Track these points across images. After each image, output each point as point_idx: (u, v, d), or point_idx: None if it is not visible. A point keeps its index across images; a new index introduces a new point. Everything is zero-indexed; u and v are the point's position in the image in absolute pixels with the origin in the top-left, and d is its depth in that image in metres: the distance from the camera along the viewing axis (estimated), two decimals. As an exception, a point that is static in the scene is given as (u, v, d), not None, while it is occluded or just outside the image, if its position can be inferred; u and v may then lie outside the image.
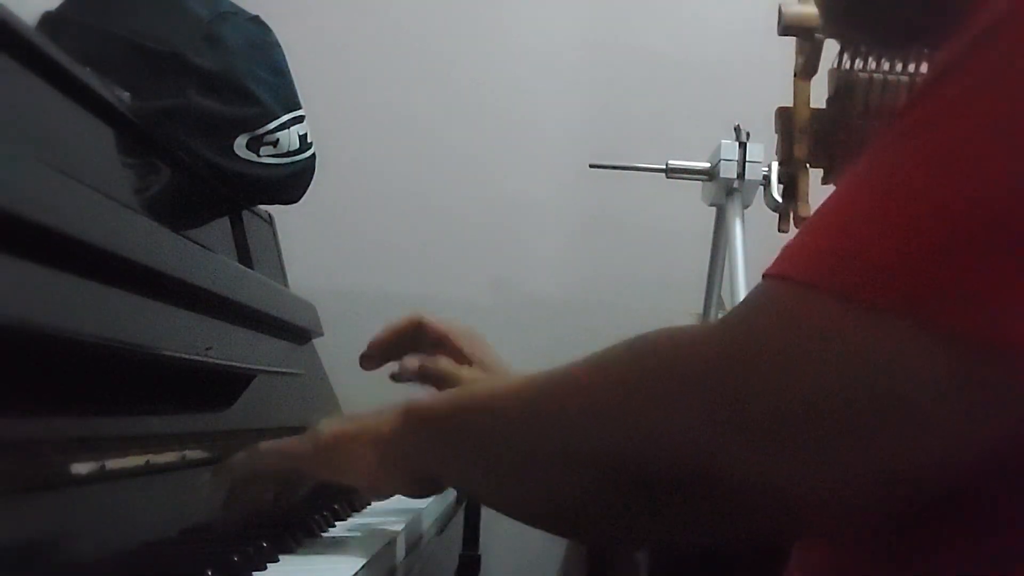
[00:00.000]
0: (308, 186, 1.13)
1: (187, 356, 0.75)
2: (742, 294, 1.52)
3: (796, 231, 0.47)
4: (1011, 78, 0.42)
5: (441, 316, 0.92)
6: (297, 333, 1.19)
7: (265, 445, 0.70)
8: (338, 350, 1.37)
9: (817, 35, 1.20)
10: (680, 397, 0.45)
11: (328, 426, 0.67)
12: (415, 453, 0.62)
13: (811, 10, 1.18)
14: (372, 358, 0.89)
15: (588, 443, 0.49)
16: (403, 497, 0.67)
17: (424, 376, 0.86)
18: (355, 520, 0.81)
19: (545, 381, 0.53)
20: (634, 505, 0.48)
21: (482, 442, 0.57)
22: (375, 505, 0.86)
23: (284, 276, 1.33)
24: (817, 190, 1.29)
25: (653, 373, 0.47)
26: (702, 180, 1.63)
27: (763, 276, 0.46)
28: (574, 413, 0.50)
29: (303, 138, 1.07)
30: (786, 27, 1.30)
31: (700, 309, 1.72)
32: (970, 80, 0.43)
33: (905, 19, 0.61)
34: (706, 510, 0.46)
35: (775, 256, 0.46)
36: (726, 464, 0.44)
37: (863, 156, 0.46)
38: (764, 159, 1.50)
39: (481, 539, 1.37)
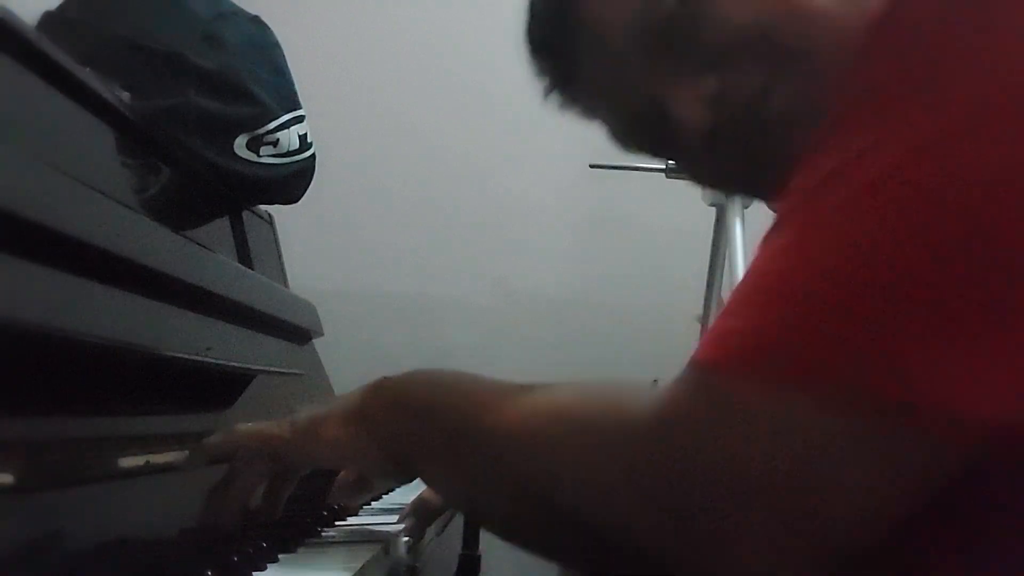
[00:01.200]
0: (308, 186, 1.13)
1: (187, 356, 0.75)
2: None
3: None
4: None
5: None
6: (297, 333, 1.19)
7: (242, 426, 0.70)
8: (338, 350, 1.37)
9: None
10: (619, 488, 0.47)
11: (304, 412, 0.68)
12: (383, 423, 0.63)
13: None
14: None
15: (533, 482, 0.52)
16: (403, 497, 0.67)
17: None
18: (355, 520, 0.81)
19: (514, 411, 0.55)
20: (559, 539, 0.53)
21: (445, 437, 0.59)
22: (375, 505, 0.86)
23: (284, 276, 1.33)
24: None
25: (602, 452, 0.49)
26: (702, 180, 1.63)
27: (688, 362, 0.47)
28: (533, 454, 0.53)
29: (303, 138, 1.07)
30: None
31: (700, 309, 1.72)
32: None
33: (765, 182, 0.64)
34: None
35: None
36: (664, 548, 0.46)
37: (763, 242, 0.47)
38: (764, 159, 1.50)
39: (481, 539, 1.37)
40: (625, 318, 1.96)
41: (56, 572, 0.50)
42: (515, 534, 0.57)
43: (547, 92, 0.73)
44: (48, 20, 0.93)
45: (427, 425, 0.61)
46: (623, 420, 0.48)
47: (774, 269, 0.45)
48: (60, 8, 0.95)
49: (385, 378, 0.66)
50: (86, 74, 0.77)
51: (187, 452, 0.70)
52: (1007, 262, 0.40)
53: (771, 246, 0.46)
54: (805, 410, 0.42)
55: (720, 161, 0.65)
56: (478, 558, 0.79)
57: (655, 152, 0.73)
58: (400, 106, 1.96)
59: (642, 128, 0.68)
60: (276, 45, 1.06)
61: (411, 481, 0.69)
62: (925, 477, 0.43)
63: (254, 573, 0.55)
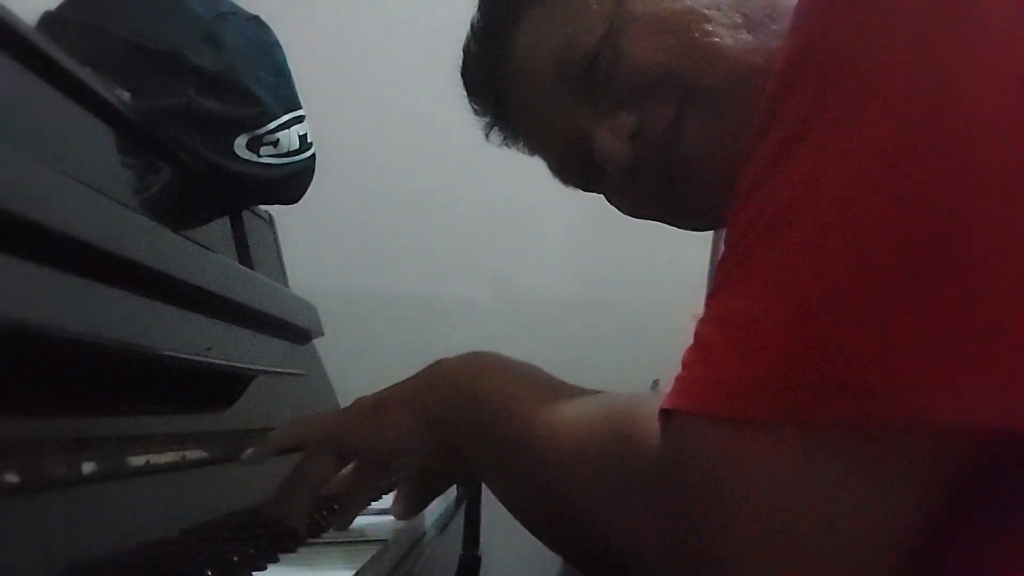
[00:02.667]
0: (308, 186, 1.13)
1: (187, 356, 0.75)
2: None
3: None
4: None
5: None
6: (297, 333, 1.19)
7: (305, 417, 0.72)
8: (338, 350, 1.37)
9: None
10: (635, 530, 0.50)
11: (370, 395, 0.70)
12: (436, 412, 0.66)
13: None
14: None
15: (563, 492, 0.56)
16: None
17: None
18: (355, 520, 0.81)
19: (556, 429, 0.57)
20: (585, 549, 0.57)
21: (487, 437, 0.63)
22: (374, 505, 0.86)
23: (284, 276, 1.33)
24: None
25: (612, 487, 0.52)
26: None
27: (664, 408, 0.48)
28: (553, 472, 0.56)
29: (303, 138, 1.07)
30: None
31: (700, 309, 1.72)
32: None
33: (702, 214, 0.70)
34: None
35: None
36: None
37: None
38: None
39: (481, 539, 1.37)
40: (625, 318, 1.96)
41: (56, 572, 0.50)
42: (547, 539, 0.61)
43: (487, 130, 0.79)
44: (48, 20, 0.93)
45: (472, 421, 0.64)
46: (631, 463, 0.51)
47: (739, 307, 0.45)
48: (60, 8, 0.95)
49: (442, 361, 0.68)
50: (86, 74, 0.77)
51: (252, 446, 0.71)
52: (969, 268, 0.40)
53: (733, 282, 0.46)
54: (795, 446, 0.42)
55: (643, 193, 0.69)
56: (478, 558, 0.79)
57: (587, 187, 0.76)
58: (400, 106, 1.96)
59: (572, 163, 0.73)
60: (276, 45, 1.06)
61: (469, 479, 0.71)
62: (921, 492, 0.43)
63: (254, 573, 0.55)
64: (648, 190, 0.69)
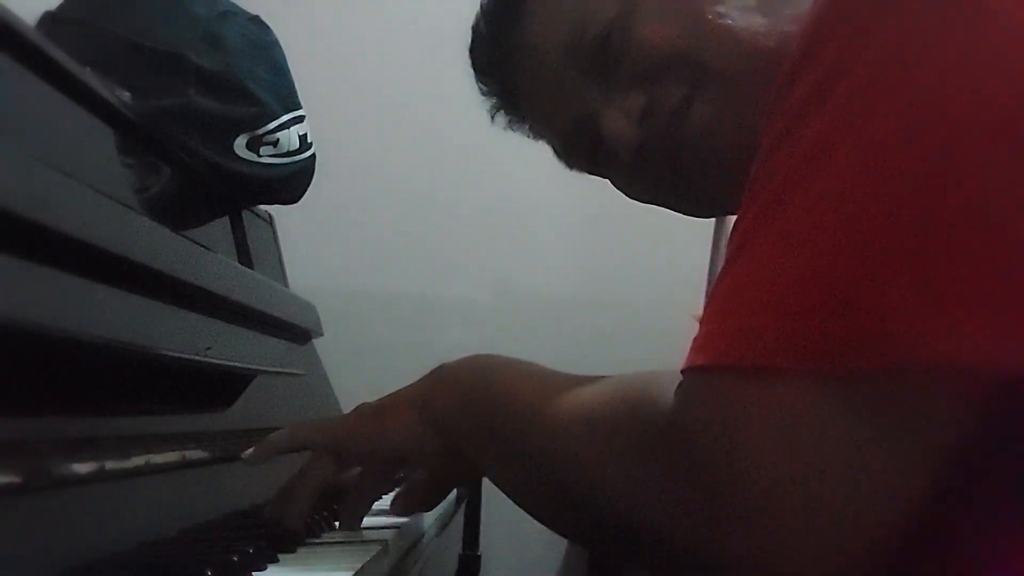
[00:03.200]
0: (308, 186, 1.13)
1: (187, 356, 0.75)
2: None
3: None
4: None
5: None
6: (297, 333, 1.19)
7: (308, 421, 0.71)
8: (338, 350, 1.37)
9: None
10: (651, 502, 0.48)
11: (371, 402, 0.70)
12: (442, 413, 0.65)
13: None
14: None
15: (575, 478, 0.54)
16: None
17: None
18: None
19: (563, 414, 0.56)
20: (603, 534, 0.55)
21: (497, 431, 0.62)
22: (374, 506, 0.86)
23: (284, 276, 1.33)
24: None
25: (628, 463, 0.51)
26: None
27: (682, 370, 0.48)
28: (567, 464, 0.55)
29: (303, 138, 1.07)
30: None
31: (700, 309, 1.72)
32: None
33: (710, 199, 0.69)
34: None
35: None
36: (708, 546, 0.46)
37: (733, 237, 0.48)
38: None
39: (481, 539, 1.37)
40: (625, 317, 1.96)
41: (56, 572, 0.50)
42: (560, 526, 0.60)
43: (493, 112, 0.78)
44: (48, 20, 0.93)
45: (478, 417, 0.63)
46: (644, 432, 0.49)
47: (757, 264, 0.45)
48: (60, 8, 0.95)
49: (444, 365, 0.68)
50: (86, 74, 0.77)
51: (252, 446, 0.71)
52: (994, 217, 0.41)
53: (750, 240, 0.46)
54: (812, 397, 0.42)
55: (650, 176, 0.69)
56: (478, 558, 0.79)
57: (593, 170, 0.76)
58: (400, 106, 1.96)
59: (579, 146, 0.72)
60: (276, 45, 1.06)
61: (473, 480, 0.70)
62: (939, 440, 0.43)
63: (254, 573, 0.55)
64: (655, 172, 0.68)
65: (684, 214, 0.75)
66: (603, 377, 0.59)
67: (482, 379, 0.65)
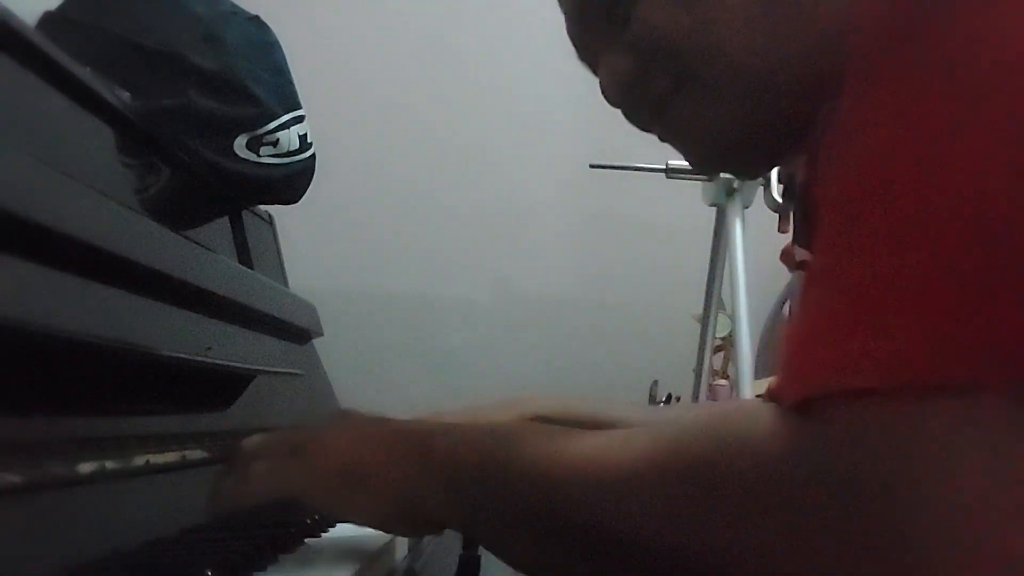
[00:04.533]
0: (308, 186, 1.13)
1: (187, 356, 0.75)
2: (742, 294, 1.52)
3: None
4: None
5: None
6: (297, 333, 1.19)
7: (277, 440, 0.67)
8: (338, 350, 1.37)
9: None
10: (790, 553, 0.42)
11: (332, 446, 0.62)
12: (436, 507, 0.58)
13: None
14: None
15: (661, 546, 0.46)
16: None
17: None
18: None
19: (614, 467, 0.49)
20: None
21: (528, 510, 0.54)
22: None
23: (284, 276, 1.33)
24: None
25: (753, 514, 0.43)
26: (702, 180, 1.63)
27: (782, 404, 0.43)
28: (649, 517, 0.47)
29: (303, 138, 1.07)
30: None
31: (700, 309, 1.72)
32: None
33: (767, 154, 0.66)
34: None
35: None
36: None
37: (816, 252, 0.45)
38: (764, 159, 1.50)
39: (481, 539, 1.37)
40: (625, 318, 1.96)
41: (56, 572, 0.50)
42: None
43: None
44: (48, 20, 0.93)
45: (480, 490, 0.56)
46: (773, 478, 0.42)
47: (868, 271, 0.41)
48: (60, 8, 0.95)
49: (431, 440, 0.59)
50: (86, 74, 0.77)
51: (228, 448, 0.70)
52: None
53: (846, 241, 0.42)
54: (992, 414, 0.37)
55: (634, 123, 0.69)
56: (478, 558, 0.78)
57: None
58: (400, 106, 1.96)
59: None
60: (276, 45, 1.06)
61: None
62: None
63: (254, 573, 0.55)
64: (638, 125, 0.69)
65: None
66: (608, 432, 0.53)
67: (487, 459, 0.57)
